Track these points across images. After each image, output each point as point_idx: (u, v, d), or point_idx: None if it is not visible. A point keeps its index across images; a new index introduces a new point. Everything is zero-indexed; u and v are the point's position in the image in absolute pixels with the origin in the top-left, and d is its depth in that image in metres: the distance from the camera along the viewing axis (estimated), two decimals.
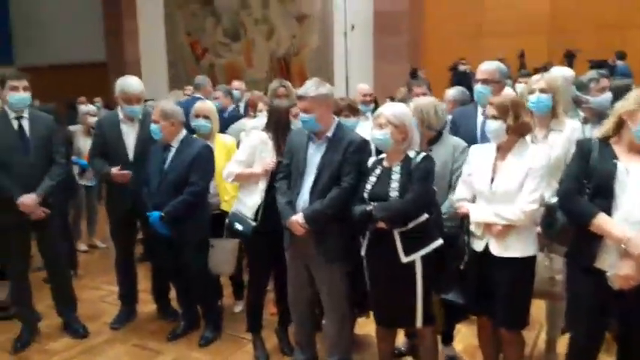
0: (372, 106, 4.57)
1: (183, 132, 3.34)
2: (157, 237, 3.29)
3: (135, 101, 3.49)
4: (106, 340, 3.59)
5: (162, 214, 3.16)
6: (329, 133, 2.72)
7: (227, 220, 3.12)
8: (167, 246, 3.31)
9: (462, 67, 9.47)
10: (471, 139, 3.24)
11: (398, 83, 9.72)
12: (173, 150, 3.28)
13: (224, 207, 3.45)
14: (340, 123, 2.80)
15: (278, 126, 3.02)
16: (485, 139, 3.27)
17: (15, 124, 3.28)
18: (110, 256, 5.15)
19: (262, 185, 3.02)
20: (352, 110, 3.25)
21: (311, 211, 2.64)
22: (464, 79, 9.38)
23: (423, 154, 2.51)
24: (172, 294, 3.79)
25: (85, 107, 6.05)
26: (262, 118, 4.04)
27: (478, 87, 3.32)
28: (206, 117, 3.54)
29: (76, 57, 14.31)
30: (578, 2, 9.58)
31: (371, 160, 2.64)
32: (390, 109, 2.54)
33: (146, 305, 3.97)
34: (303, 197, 2.71)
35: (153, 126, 3.26)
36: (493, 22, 10.22)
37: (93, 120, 5.43)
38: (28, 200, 3.20)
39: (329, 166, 2.67)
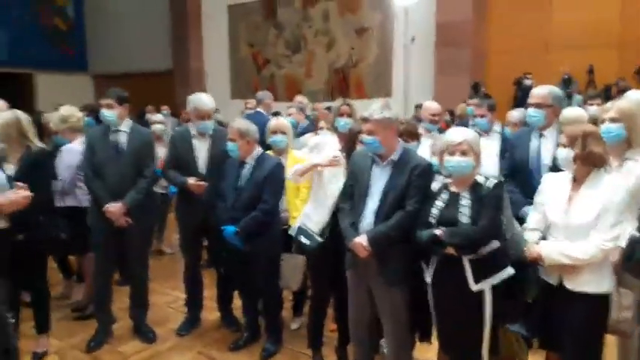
0: (439, 125, 4.54)
1: (258, 149, 3.47)
2: (229, 249, 3.40)
3: (207, 117, 3.64)
4: (173, 346, 3.75)
5: (237, 229, 3.28)
6: (394, 157, 2.74)
7: (294, 234, 3.21)
8: (239, 258, 3.41)
9: (527, 82, 9.20)
10: (525, 163, 3.27)
11: (459, 96, 9.62)
12: (248, 167, 3.40)
13: (292, 223, 3.53)
14: (405, 146, 2.82)
15: (349, 148, 3.11)
16: (538, 163, 3.27)
17: (113, 137, 3.54)
18: (176, 262, 5.42)
19: (331, 201, 3.09)
20: (411, 135, 3.26)
21: (375, 233, 2.67)
22: (528, 95, 9.15)
23: (495, 180, 2.49)
24: (235, 303, 3.92)
25: (153, 116, 6.34)
26: (325, 136, 4.14)
27: (530, 111, 3.31)
28: (283, 133, 3.68)
29: (144, 66, 15.00)
30: None
31: (436, 184, 2.64)
32: (469, 136, 2.53)
33: (210, 313, 4.12)
34: (367, 219, 2.73)
35: (230, 144, 3.38)
36: (560, 35, 9.88)
37: (160, 127, 5.70)
38: (113, 208, 3.46)
39: (394, 189, 2.68)
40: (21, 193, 2.64)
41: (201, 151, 3.69)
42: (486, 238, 2.41)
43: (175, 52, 14.39)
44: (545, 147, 3.29)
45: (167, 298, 4.59)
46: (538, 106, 3.28)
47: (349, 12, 12.02)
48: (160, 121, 5.82)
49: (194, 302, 4.00)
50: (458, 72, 10.06)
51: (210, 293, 4.12)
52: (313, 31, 12.59)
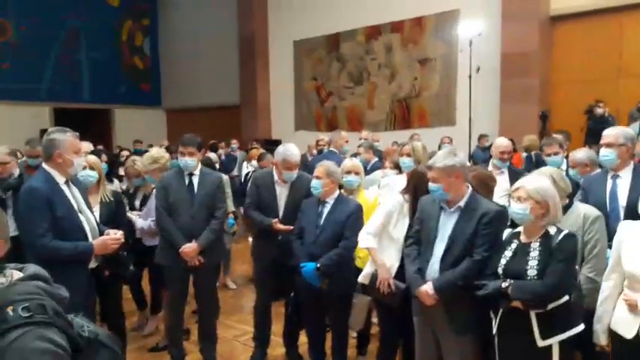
0: (509, 162, 4.48)
1: (337, 190, 3.59)
2: (304, 288, 3.49)
3: (294, 168, 3.81)
4: None
5: (318, 265, 3.36)
6: (461, 203, 2.74)
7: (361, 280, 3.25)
8: (313, 296, 3.50)
9: (599, 110, 8.85)
10: (601, 207, 3.12)
11: (525, 125, 9.41)
12: (329, 206, 3.52)
13: (358, 263, 3.59)
14: (474, 193, 2.80)
15: (417, 190, 3.09)
16: (614, 205, 3.14)
17: (187, 180, 3.77)
18: (242, 296, 5.57)
19: (397, 246, 3.13)
20: (483, 186, 3.08)
21: (442, 281, 2.66)
22: (602, 123, 8.78)
23: (566, 231, 2.41)
24: (301, 339, 3.97)
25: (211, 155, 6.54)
26: (393, 177, 4.19)
27: (602, 151, 3.27)
28: (357, 173, 3.82)
29: (213, 100, 15.72)
30: None
31: (506, 233, 2.59)
32: (531, 183, 2.47)
33: (274, 348, 4.19)
34: (434, 267, 2.74)
35: (315, 181, 3.51)
36: (631, 62, 9.50)
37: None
38: (188, 250, 3.65)
39: (461, 236, 2.68)
40: (112, 237, 2.91)
41: (282, 196, 3.88)
42: (554, 295, 2.33)
43: (243, 87, 15.01)
44: (621, 188, 3.20)
45: (234, 332, 4.71)
46: (609, 145, 3.24)
47: (412, 43, 12.12)
48: (216, 161, 6.05)
49: (262, 337, 4.09)
50: (524, 101, 9.87)
51: (276, 329, 4.20)
52: (376, 64, 12.76)
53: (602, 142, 3.31)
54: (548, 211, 2.41)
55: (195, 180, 3.79)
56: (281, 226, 3.77)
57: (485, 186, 3.05)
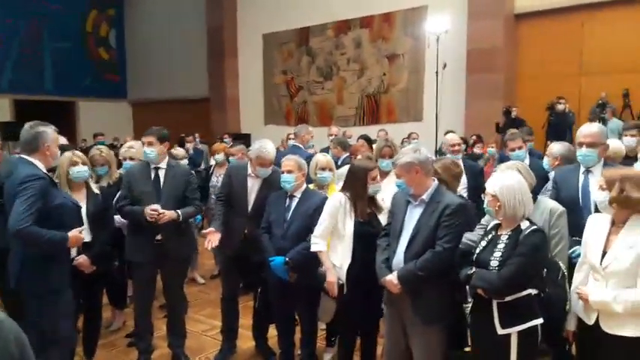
0: (460, 154, 4.63)
1: (305, 183, 3.63)
2: (273, 281, 3.51)
3: (268, 165, 3.79)
4: None
5: (287, 259, 3.38)
6: (425, 196, 2.83)
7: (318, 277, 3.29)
8: (281, 290, 3.52)
9: (560, 107, 9.14)
10: (572, 201, 3.20)
11: (490, 121, 9.64)
12: (296, 199, 3.54)
13: None
14: (439, 186, 2.89)
15: (356, 186, 3.22)
16: (586, 201, 3.24)
17: (153, 173, 3.73)
18: (210, 290, 5.56)
19: (346, 244, 3.20)
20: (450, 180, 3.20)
21: (404, 271, 2.75)
22: (562, 119, 9.07)
23: (534, 227, 2.46)
24: (270, 332, 4.01)
25: (175, 150, 6.40)
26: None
27: (584, 151, 3.27)
28: (331, 170, 3.87)
29: (181, 93, 15.52)
30: None
31: (492, 224, 2.65)
32: (493, 180, 2.57)
33: (245, 342, 4.21)
34: (398, 257, 2.83)
35: (287, 176, 3.51)
36: (593, 60, 9.83)
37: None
38: (153, 212, 3.55)
39: (424, 228, 2.77)
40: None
41: (254, 190, 3.84)
42: (508, 287, 2.39)
43: (212, 80, 14.86)
44: (593, 183, 3.22)
45: (203, 326, 4.70)
46: (591, 145, 3.24)
47: (381, 39, 12.23)
48: (184, 156, 5.97)
49: (230, 330, 4.10)
50: (489, 97, 10.09)
51: (245, 322, 4.22)
52: (345, 58, 12.82)
53: (581, 141, 3.29)
54: (503, 206, 2.47)
55: (162, 173, 3.74)
56: (211, 237, 3.72)
57: (451, 173, 3.16)
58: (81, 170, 3.50)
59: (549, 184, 3.53)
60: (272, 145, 3.83)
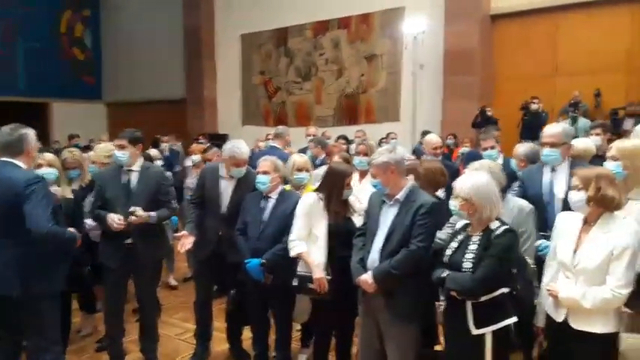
0: (440, 157, 4.61)
1: (281, 185, 3.59)
2: (246, 282, 3.47)
3: (242, 165, 3.73)
4: None
5: (263, 260, 3.34)
6: (400, 196, 2.84)
7: (298, 280, 3.26)
8: (256, 292, 3.48)
9: (534, 106, 9.25)
10: (539, 199, 3.26)
11: (466, 121, 9.71)
12: (273, 201, 3.50)
13: None
14: (414, 186, 2.90)
15: (332, 189, 3.21)
16: (551, 197, 3.29)
17: (124, 177, 3.65)
18: (185, 293, 5.48)
19: (320, 244, 3.19)
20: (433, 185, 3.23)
21: (378, 270, 2.76)
22: (536, 119, 9.18)
23: (505, 227, 2.47)
24: (245, 334, 3.96)
25: (151, 151, 6.28)
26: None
27: (546, 151, 3.33)
28: (308, 170, 3.84)
29: (157, 94, 15.31)
30: None
31: (460, 224, 2.65)
32: (462, 182, 2.54)
33: (219, 344, 4.16)
34: (373, 256, 2.84)
35: (262, 177, 3.47)
36: (567, 61, 9.99)
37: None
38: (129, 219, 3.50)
39: (399, 227, 2.78)
40: None
41: (227, 191, 3.78)
42: (484, 289, 2.40)
43: (189, 80, 14.70)
44: (558, 181, 3.30)
45: (176, 330, 4.64)
46: (553, 145, 3.30)
47: (359, 40, 12.24)
48: (159, 157, 5.88)
49: (203, 333, 4.05)
50: (466, 98, 10.17)
51: (219, 325, 4.17)
52: (324, 59, 12.81)
53: (544, 141, 3.34)
54: (476, 211, 2.47)
55: (134, 176, 3.67)
56: (182, 241, 3.71)
57: (433, 181, 3.18)
58: (46, 173, 3.42)
59: (516, 184, 3.56)
60: (245, 145, 3.79)
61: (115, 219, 3.46)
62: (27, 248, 2.87)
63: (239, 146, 3.72)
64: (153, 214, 3.59)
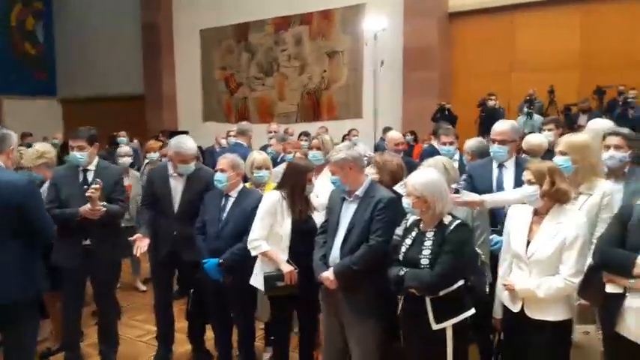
0: (402, 153, 4.66)
1: (241, 183, 3.54)
2: (205, 282, 3.42)
3: (189, 161, 3.67)
4: None
5: (221, 260, 3.29)
6: (359, 192, 2.86)
7: (265, 281, 3.22)
8: (215, 291, 3.44)
9: (490, 103, 9.48)
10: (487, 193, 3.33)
11: (426, 118, 9.87)
12: (232, 199, 3.45)
13: None
14: (372, 182, 2.92)
15: (295, 186, 3.19)
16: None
17: (80, 176, 3.57)
18: (147, 295, 5.38)
19: (283, 244, 3.18)
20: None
21: (339, 267, 2.78)
22: (492, 115, 9.41)
23: (458, 221, 2.51)
24: (207, 335, 3.92)
25: (120, 148, 6.10)
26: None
27: (495, 148, 3.40)
28: (268, 168, 3.79)
29: (115, 90, 14.92)
30: (609, 39, 9.56)
31: (411, 220, 2.66)
32: (414, 179, 2.55)
33: (181, 345, 4.09)
34: (334, 253, 2.85)
35: (220, 175, 3.41)
36: (523, 58, 10.28)
37: (127, 161, 5.58)
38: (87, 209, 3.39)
39: (359, 223, 2.80)
40: None
41: (178, 190, 3.71)
42: (444, 284, 2.45)
43: (147, 77, 14.38)
44: (506, 177, 3.39)
45: (138, 332, 4.54)
46: (502, 142, 3.36)
47: (321, 36, 12.25)
48: (126, 153, 5.71)
49: (165, 335, 3.98)
50: (425, 94, 10.33)
51: (180, 325, 4.11)
52: (286, 55, 12.76)
53: (493, 137, 3.41)
54: (429, 207, 2.49)
55: (91, 175, 3.57)
56: (139, 244, 3.63)
57: (393, 173, 3.17)
58: None
59: (462, 177, 3.64)
60: (192, 141, 3.72)
61: (87, 207, 3.38)
62: (22, 251, 2.79)
63: (184, 141, 3.66)
64: (108, 205, 3.49)
